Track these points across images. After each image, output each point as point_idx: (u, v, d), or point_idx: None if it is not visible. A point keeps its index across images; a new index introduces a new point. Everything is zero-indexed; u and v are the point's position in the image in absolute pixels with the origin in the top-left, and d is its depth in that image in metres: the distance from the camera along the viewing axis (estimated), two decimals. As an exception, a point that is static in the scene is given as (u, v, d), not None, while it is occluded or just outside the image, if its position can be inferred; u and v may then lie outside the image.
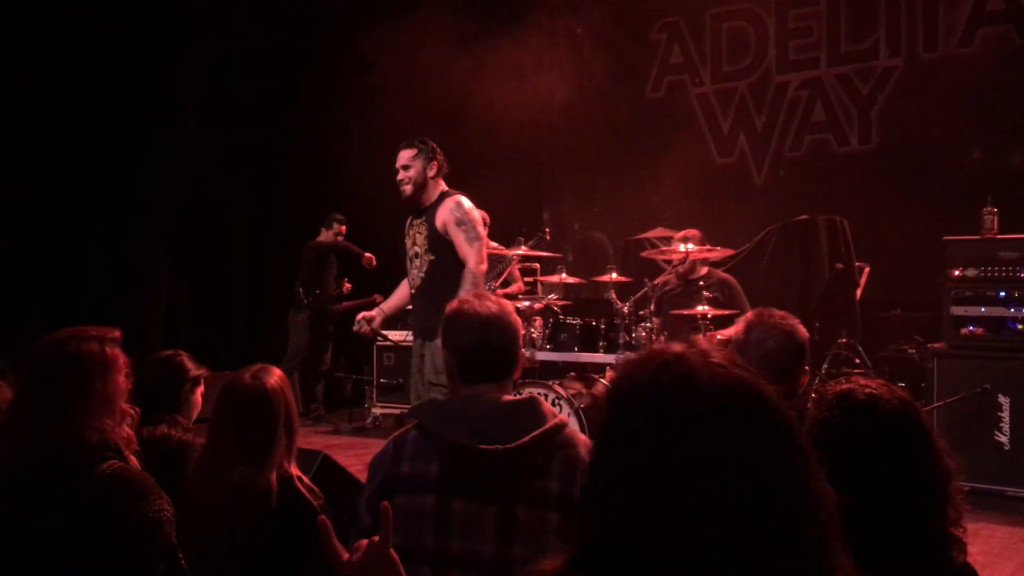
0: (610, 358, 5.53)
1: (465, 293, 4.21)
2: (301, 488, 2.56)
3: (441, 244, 4.43)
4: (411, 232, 4.61)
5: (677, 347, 1.06)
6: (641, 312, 5.52)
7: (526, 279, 7.32)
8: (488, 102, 8.59)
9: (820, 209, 7.48)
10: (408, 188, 4.49)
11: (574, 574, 1.06)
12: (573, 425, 5.27)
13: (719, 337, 5.64)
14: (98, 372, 2.13)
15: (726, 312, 5.50)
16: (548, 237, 6.41)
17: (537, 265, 7.40)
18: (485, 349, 2.14)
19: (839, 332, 6.61)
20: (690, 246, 5.57)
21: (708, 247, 5.72)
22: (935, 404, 5.36)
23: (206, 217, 8.33)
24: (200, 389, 3.26)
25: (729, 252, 6.13)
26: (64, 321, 2.37)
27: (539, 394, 5.48)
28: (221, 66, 7.93)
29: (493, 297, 2.23)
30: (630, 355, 5.15)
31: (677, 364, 1.03)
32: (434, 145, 4.56)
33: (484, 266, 4.43)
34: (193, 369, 3.19)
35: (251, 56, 8.01)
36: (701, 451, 0.98)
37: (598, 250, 9.70)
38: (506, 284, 6.64)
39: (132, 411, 2.30)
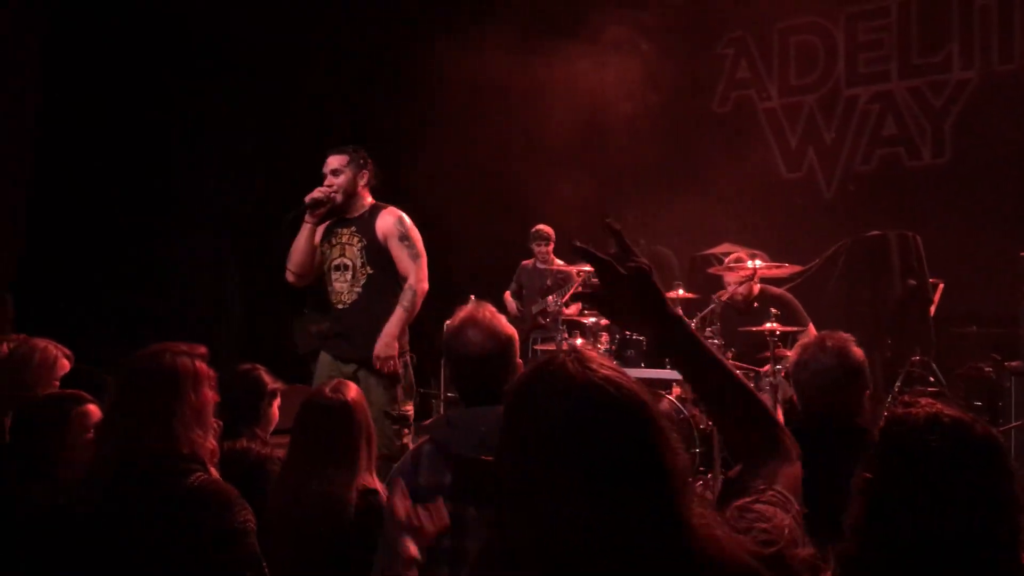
0: (676, 374, 5.51)
1: (403, 310, 4.24)
2: (382, 501, 2.64)
3: (381, 258, 4.31)
4: (336, 242, 4.42)
5: (559, 356, 1.26)
6: (708, 329, 5.50)
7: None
8: (551, 117, 8.66)
9: (891, 224, 7.36)
10: (338, 196, 4.34)
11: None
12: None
13: (788, 356, 5.59)
14: (190, 385, 2.19)
15: (789, 329, 5.45)
16: None
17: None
18: (477, 382, 2.28)
19: (912, 349, 6.49)
20: (758, 262, 5.53)
21: (776, 264, 5.68)
22: (1012, 424, 5.23)
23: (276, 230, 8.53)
24: (277, 402, 3.35)
25: (797, 268, 6.06)
26: (144, 336, 2.45)
27: (606, 410, 5.48)
28: (284, 79, 8.11)
29: (483, 324, 2.29)
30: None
31: (552, 366, 1.23)
32: (365, 154, 4.46)
33: (426, 285, 4.34)
34: (270, 383, 3.27)
35: (317, 67, 8.18)
36: (567, 437, 1.17)
37: (663, 266, 9.65)
38: (568, 304, 6.65)
39: (217, 424, 2.37)
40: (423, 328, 8.90)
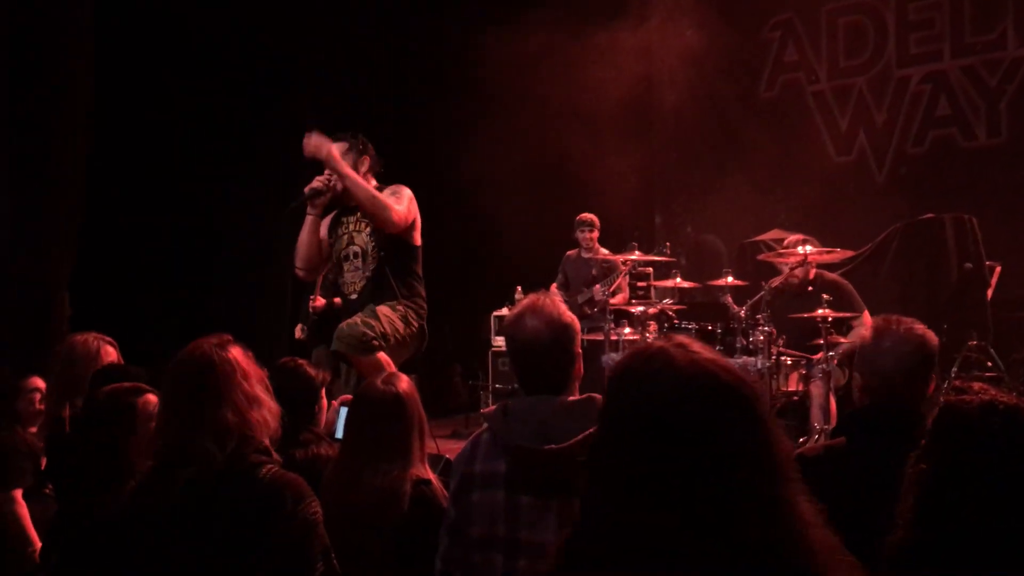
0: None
1: (368, 189, 4.09)
2: (435, 491, 2.65)
3: (390, 238, 4.22)
4: (343, 231, 4.36)
5: (659, 342, 1.27)
6: (758, 316, 5.44)
7: (639, 283, 7.29)
8: (597, 105, 8.62)
9: (946, 207, 7.20)
10: (339, 184, 4.22)
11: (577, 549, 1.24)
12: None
13: (842, 343, 5.51)
14: (230, 373, 2.18)
15: (842, 315, 5.37)
16: (668, 251, 6.35)
17: (650, 270, 7.37)
18: (536, 370, 2.27)
19: (969, 334, 6.35)
20: (808, 248, 5.44)
21: (828, 249, 5.58)
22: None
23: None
24: (323, 395, 3.36)
25: (848, 253, 5.96)
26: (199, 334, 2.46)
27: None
28: (331, 74, 8.17)
29: (545, 306, 2.26)
30: (748, 359, 5.07)
31: (659, 354, 1.23)
32: (365, 140, 4.34)
33: (400, 212, 4.12)
34: (318, 376, 3.27)
35: (363, 63, 8.23)
36: (678, 423, 1.17)
37: (711, 253, 9.57)
38: (614, 294, 6.62)
39: (277, 414, 2.33)
40: (471, 321, 8.97)
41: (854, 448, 2.32)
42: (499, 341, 8.25)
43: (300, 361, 3.26)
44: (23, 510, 3.40)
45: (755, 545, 1.13)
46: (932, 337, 2.43)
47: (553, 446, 2.07)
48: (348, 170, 4.11)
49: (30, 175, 6.89)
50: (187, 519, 2.07)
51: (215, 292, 7.55)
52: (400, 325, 4.14)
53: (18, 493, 3.43)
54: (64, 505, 2.81)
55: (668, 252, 6.32)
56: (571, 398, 2.21)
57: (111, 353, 3.44)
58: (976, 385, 1.75)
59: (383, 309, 4.11)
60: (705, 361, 1.21)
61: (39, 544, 3.21)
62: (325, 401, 3.34)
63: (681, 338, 1.26)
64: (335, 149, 4.13)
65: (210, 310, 7.23)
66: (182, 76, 7.52)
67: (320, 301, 6.49)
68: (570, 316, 2.28)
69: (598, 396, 2.22)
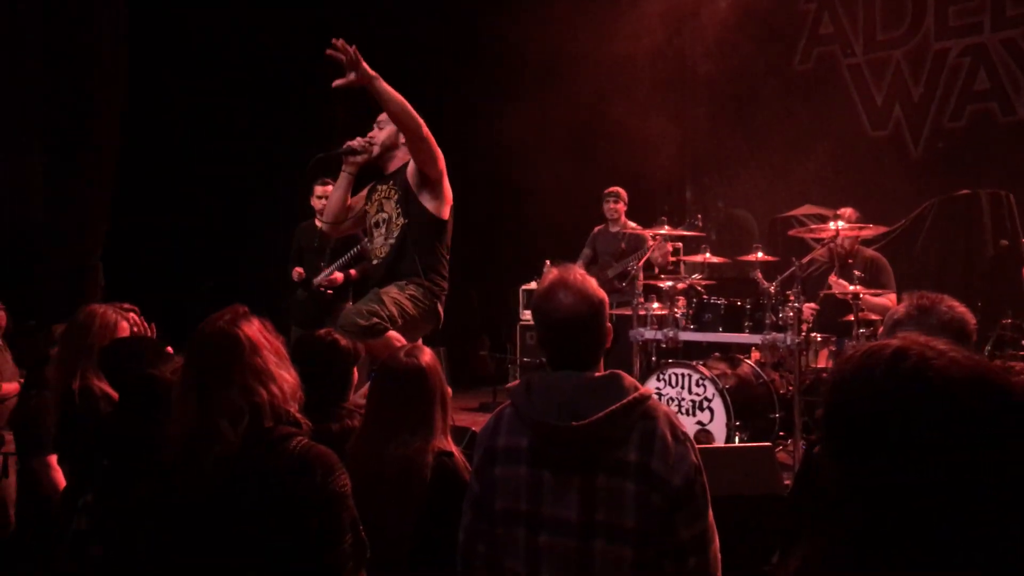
0: (756, 338, 5.42)
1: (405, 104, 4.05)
2: (457, 463, 2.66)
3: (414, 207, 4.24)
4: (376, 198, 4.41)
5: (896, 341, 1.10)
6: (788, 292, 5.39)
7: (670, 258, 7.25)
8: (628, 78, 8.55)
9: (983, 183, 7.08)
10: (375, 149, 4.35)
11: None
12: (717, 405, 5.24)
13: (871, 316, 5.46)
14: (246, 348, 2.16)
15: (874, 292, 5.32)
16: (700, 224, 6.30)
17: (680, 244, 7.32)
18: (563, 347, 2.23)
19: (1004, 312, 6.25)
20: (840, 223, 5.38)
21: (859, 225, 5.52)
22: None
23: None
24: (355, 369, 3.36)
25: (882, 229, 5.89)
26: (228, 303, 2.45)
27: (682, 374, 5.45)
28: (368, 43, 8.17)
29: (575, 286, 2.22)
30: (777, 335, 5.03)
31: (908, 356, 1.06)
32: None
33: (433, 142, 4.12)
34: (351, 348, 3.27)
35: (394, 32, 8.21)
36: (939, 438, 0.99)
37: (743, 228, 9.49)
38: (649, 266, 6.58)
39: (297, 383, 2.33)
40: (499, 294, 8.98)
41: None
42: (527, 315, 8.26)
43: (335, 335, 3.23)
44: (58, 475, 3.45)
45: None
46: (971, 316, 2.37)
47: (576, 423, 2.06)
48: (383, 83, 4.07)
49: (66, 150, 6.98)
50: (219, 498, 2.08)
51: (247, 260, 7.60)
52: (409, 305, 4.15)
53: (53, 458, 3.47)
54: (83, 480, 2.84)
55: (700, 225, 6.26)
56: (596, 374, 2.20)
57: (125, 328, 3.43)
58: (1019, 366, 1.71)
59: (389, 291, 4.13)
60: (968, 361, 1.05)
61: None
62: (356, 375, 3.35)
63: (916, 337, 1.09)
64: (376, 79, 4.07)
65: (242, 278, 7.28)
66: (216, 56, 7.55)
67: (299, 273, 6.29)
68: (600, 291, 2.26)
69: (623, 373, 2.21)
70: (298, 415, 2.23)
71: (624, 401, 2.06)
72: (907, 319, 2.32)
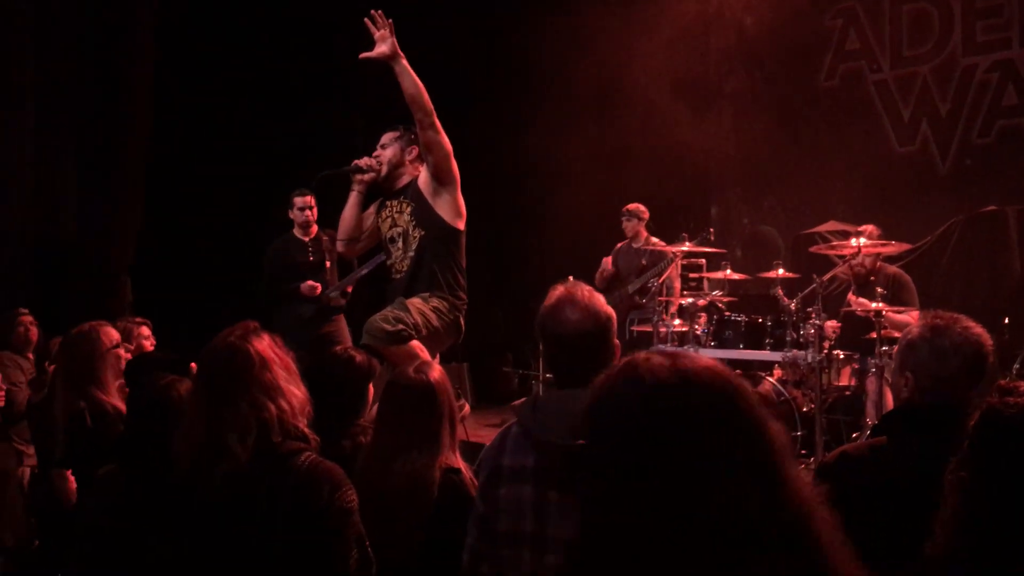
0: (776, 356, 5.39)
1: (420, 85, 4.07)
2: (464, 480, 2.66)
3: (430, 217, 4.24)
4: (387, 214, 4.40)
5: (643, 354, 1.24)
6: (809, 309, 5.35)
7: (691, 275, 7.23)
8: (652, 94, 8.55)
9: (1011, 199, 6.99)
10: (383, 169, 4.37)
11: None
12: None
13: (893, 334, 5.41)
14: (258, 369, 2.18)
15: (896, 309, 5.27)
16: (712, 237, 6.28)
17: (703, 261, 7.29)
18: (572, 366, 2.21)
19: (1032, 330, 6.18)
20: (863, 240, 5.34)
21: (882, 241, 5.48)
22: None
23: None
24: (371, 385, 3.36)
25: (905, 247, 5.83)
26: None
27: (703, 392, 5.40)
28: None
29: (582, 303, 2.20)
30: (798, 352, 5.00)
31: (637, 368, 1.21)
32: (415, 132, 4.32)
33: (436, 120, 4.14)
34: (367, 365, 3.28)
35: (414, 48, 8.28)
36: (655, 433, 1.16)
37: (768, 245, 9.43)
38: (666, 287, 6.56)
39: (306, 398, 2.35)
40: (523, 310, 8.97)
41: (897, 447, 2.24)
42: (551, 331, 8.24)
43: (351, 351, 3.25)
44: (72, 487, 3.49)
45: (763, 540, 1.11)
46: (987, 338, 2.33)
47: (583, 442, 2.04)
48: (407, 63, 4.13)
49: (97, 165, 7.10)
50: (226, 512, 2.10)
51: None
52: (433, 317, 4.15)
53: (67, 471, 3.52)
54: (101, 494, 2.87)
55: (712, 239, 6.24)
56: None
57: (137, 340, 3.47)
58: (1023, 385, 1.68)
59: (414, 301, 4.14)
60: (675, 367, 1.20)
61: None
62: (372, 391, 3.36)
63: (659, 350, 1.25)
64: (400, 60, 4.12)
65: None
66: (239, 70, 7.65)
67: (317, 288, 6.15)
68: (608, 307, 2.24)
69: None
70: (306, 430, 2.24)
71: None
72: (920, 340, 2.28)
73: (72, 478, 3.50)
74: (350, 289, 6.20)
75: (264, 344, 2.26)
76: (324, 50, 7.78)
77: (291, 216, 6.34)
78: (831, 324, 5.55)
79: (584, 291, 2.26)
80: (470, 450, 3.52)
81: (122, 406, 3.11)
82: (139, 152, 7.21)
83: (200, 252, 7.60)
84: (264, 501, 2.09)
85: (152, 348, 4.45)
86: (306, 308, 6.15)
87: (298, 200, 6.25)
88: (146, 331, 3.54)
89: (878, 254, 5.65)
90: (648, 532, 1.13)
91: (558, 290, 2.28)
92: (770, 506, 1.13)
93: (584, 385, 2.18)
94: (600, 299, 2.26)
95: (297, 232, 6.38)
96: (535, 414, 2.17)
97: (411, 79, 4.10)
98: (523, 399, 2.29)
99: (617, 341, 2.29)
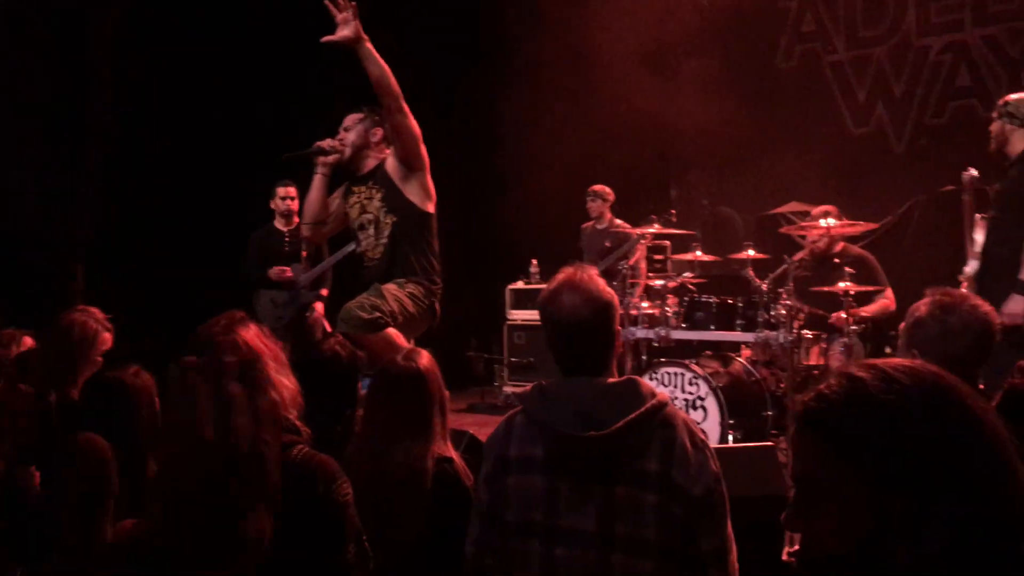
0: (748, 336, 5.42)
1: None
2: (458, 468, 2.62)
3: (401, 202, 4.20)
4: (356, 200, 4.35)
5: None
6: (780, 290, 5.39)
7: (656, 256, 7.25)
8: (612, 76, 8.52)
9: (968, 177, 7.09)
10: (346, 150, 4.31)
11: None
12: (711, 404, 5.22)
13: (862, 314, 5.47)
14: (259, 355, 2.12)
15: (865, 288, 5.33)
16: (675, 219, 6.28)
17: (668, 243, 7.31)
18: (573, 350, 2.16)
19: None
20: (831, 221, 5.39)
21: (849, 222, 5.52)
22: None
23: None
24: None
25: (871, 226, 5.90)
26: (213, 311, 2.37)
27: (675, 373, 5.43)
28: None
29: (583, 281, 2.17)
30: (770, 333, 5.03)
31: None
32: (383, 114, 4.26)
33: (403, 104, 4.08)
34: (354, 355, 3.19)
35: (390, 34, 8.15)
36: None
37: (727, 226, 9.49)
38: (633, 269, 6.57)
39: (296, 390, 2.28)
40: (487, 294, 8.93)
41: None
42: (515, 315, 8.22)
43: (337, 347, 3.19)
44: (35, 481, 3.38)
45: None
46: (996, 315, 2.33)
47: (596, 432, 1.99)
48: (371, 46, 4.03)
49: (49, 149, 6.87)
50: (220, 496, 2.02)
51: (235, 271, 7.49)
52: (409, 303, 4.11)
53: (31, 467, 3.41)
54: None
55: (674, 220, 6.24)
56: (611, 379, 2.14)
57: (107, 340, 3.37)
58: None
59: (390, 287, 4.09)
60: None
61: None
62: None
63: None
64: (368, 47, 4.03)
65: (229, 288, 7.18)
66: (207, 56, 7.45)
67: (286, 271, 6.18)
68: (610, 292, 2.19)
69: (639, 378, 2.16)
70: (298, 422, 2.18)
71: (643, 409, 2.01)
72: (928, 318, 2.28)
73: (36, 474, 3.39)
74: (326, 292, 6.25)
75: (251, 334, 2.19)
76: (290, 32, 7.60)
77: (272, 206, 6.40)
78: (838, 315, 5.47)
79: (585, 275, 2.21)
80: (458, 437, 3.48)
81: None
82: (98, 139, 7.00)
83: (160, 242, 7.40)
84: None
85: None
86: (279, 294, 6.19)
87: (280, 190, 6.31)
88: (108, 337, 3.43)
89: (839, 234, 5.69)
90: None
91: (561, 274, 2.23)
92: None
93: (586, 372, 2.16)
94: (601, 283, 2.22)
95: (278, 223, 6.45)
96: (544, 403, 2.12)
97: (376, 63, 4.01)
98: (530, 387, 2.22)
99: (619, 327, 2.25)
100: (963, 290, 2.31)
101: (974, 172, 4.99)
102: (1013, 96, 4.59)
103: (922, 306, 2.32)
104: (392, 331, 4.00)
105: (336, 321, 4.12)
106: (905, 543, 1.05)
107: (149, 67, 7.24)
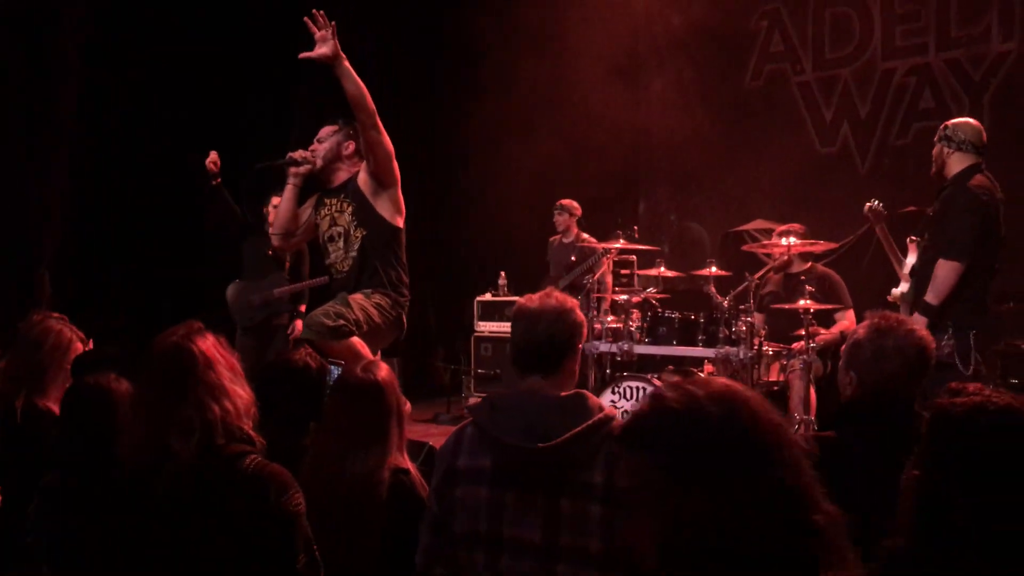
0: (709, 352, 5.49)
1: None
2: (414, 480, 2.64)
3: (371, 216, 4.24)
4: (326, 212, 4.38)
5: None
6: (741, 306, 5.47)
7: (623, 271, 7.31)
8: (583, 90, 8.60)
9: (928, 199, 7.21)
10: (318, 161, 4.34)
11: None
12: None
13: (821, 334, 5.56)
14: (203, 369, 2.16)
15: (827, 307, 5.42)
16: (637, 235, 6.35)
17: (634, 258, 7.39)
18: (529, 340, 2.23)
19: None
20: (792, 240, 5.48)
21: (811, 241, 5.62)
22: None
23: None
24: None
25: (832, 245, 6.01)
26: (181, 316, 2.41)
27: (637, 387, 5.49)
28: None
29: (558, 295, 2.25)
30: (730, 349, 5.10)
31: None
32: (356, 127, 4.29)
33: (378, 121, 4.12)
34: (317, 365, 3.19)
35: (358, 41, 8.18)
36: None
37: (694, 242, 9.60)
38: (599, 284, 6.63)
39: (251, 399, 2.30)
40: (455, 306, 8.96)
41: (846, 441, 2.30)
42: (482, 326, 8.26)
43: (306, 356, 3.18)
44: None
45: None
46: (930, 338, 2.41)
47: (543, 444, 2.05)
48: (348, 64, 4.05)
49: (16, 154, 6.83)
50: (171, 514, 2.06)
51: (201, 276, 7.47)
52: (375, 313, 4.12)
53: None
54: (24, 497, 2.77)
55: (636, 236, 6.30)
56: (562, 393, 2.19)
57: (78, 348, 3.37)
58: (972, 386, 1.73)
59: (356, 297, 4.11)
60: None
61: None
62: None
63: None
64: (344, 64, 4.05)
65: (196, 295, 7.16)
66: (172, 58, 7.43)
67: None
68: (582, 315, 2.28)
69: (587, 392, 2.21)
70: (251, 432, 2.21)
71: (589, 422, 2.06)
72: (864, 341, 2.35)
73: None
74: (304, 308, 6.30)
75: (208, 344, 2.22)
76: (262, 37, 7.60)
77: (265, 211, 6.44)
78: (759, 317, 5.68)
79: (555, 298, 2.28)
80: (416, 448, 3.50)
81: (56, 409, 3.00)
82: (65, 145, 6.97)
83: (127, 247, 7.38)
84: (209, 504, 2.05)
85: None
86: (256, 297, 6.25)
87: (274, 199, 6.30)
88: (80, 346, 3.41)
89: (799, 252, 5.79)
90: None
91: (535, 295, 2.31)
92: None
93: (539, 371, 2.21)
94: (571, 305, 2.28)
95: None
96: (493, 414, 2.17)
97: (353, 81, 4.04)
98: (480, 400, 2.27)
99: (580, 345, 2.31)
100: (901, 315, 2.37)
101: (877, 204, 5.17)
102: (953, 121, 4.75)
103: (860, 329, 2.40)
104: (356, 340, 4.02)
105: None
106: (700, 539, 1.17)
107: (116, 73, 7.22)
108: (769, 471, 1.20)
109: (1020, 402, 1.67)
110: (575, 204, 7.48)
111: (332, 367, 3.23)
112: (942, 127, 4.72)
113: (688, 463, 1.20)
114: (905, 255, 5.13)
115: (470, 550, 2.14)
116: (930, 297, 4.36)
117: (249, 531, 2.04)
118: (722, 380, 1.30)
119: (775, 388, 5.59)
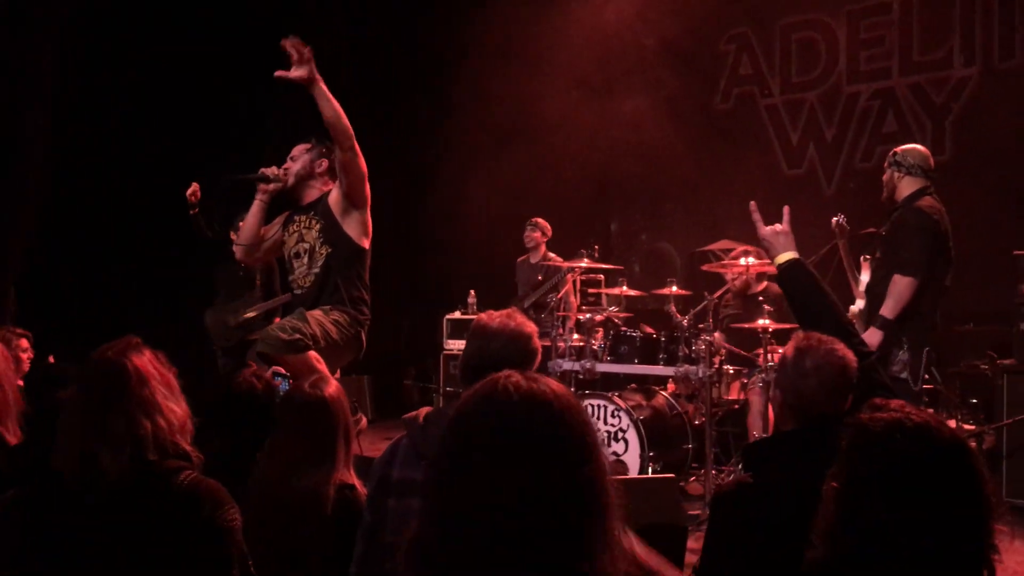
0: (670, 371, 5.55)
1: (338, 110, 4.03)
2: (359, 496, 2.67)
3: (338, 236, 4.25)
4: (295, 228, 4.40)
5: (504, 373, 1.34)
6: (701, 325, 5.54)
7: (590, 290, 7.38)
8: (556, 114, 8.69)
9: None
10: (289, 179, 4.36)
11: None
12: (631, 436, 5.34)
13: (780, 352, 5.64)
14: (136, 384, 2.15)
15: (785, 326, 5.50)
16: (597, 254, 6.39)
17: (602, 277, 7.46)
18: (481, 357, 2.29)
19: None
20: (751, 260, 5.56)
21: (769, 261, 5.70)
22: (1005, 422, 5.26)
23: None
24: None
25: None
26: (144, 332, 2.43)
27: (598, 405, 5.54)
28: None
29: (520, 317, 2.30)
30: (690, 367, 5.16)
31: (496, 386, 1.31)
32: (330, 146, 4.31)
33: (355, 144, 4.13)
34: (266, 387, 3.18)
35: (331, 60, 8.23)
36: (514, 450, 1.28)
37: (665, 261, 9.69)
38: (564, 303, 6.68)
39: (186, 415, 2.32)
40: (425, 324, 8.99)
41: (761, 482, 2.32)
42: (452, 344, 8.30)
43: (251, 377, 3.20)
44: None
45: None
46: (852, 358, 2.47)
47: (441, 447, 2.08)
48: (325, 87, 4.06)
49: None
50: (104, 530, 2.05)
51: (174, 294, 7.48)
52: (332, 329, 4.13)
53: None
54: None
55: (596, 256, 6.35)
56: None
57: (23, 359, 3.35)
58: (894, 402, 1.78)
59: (314, 313, 4.13)
60: (538, 389, 1.30)
61: None
62: None
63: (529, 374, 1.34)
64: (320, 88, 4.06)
65: (169, 312, 7.16)
66: (146, 71, 7.47)
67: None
68: (538, 343, 2.34)
69: None
70: (188, 448, 2.21)
71: None
72: (789, 359, 2.42)
73: None
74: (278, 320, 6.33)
75: (144, 359, 2.22)
76: (236, 55, 7.65)
77: (233, 237, 6.42)
78: (719, 336, 5.76)
79: (515, 319, 2.33)
80: (367, 465, 3.52)
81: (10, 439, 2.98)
82: (32, 159, 6.97)
83: (95, 264, 7.38)
84: (141, 519, 2.06)
85: (30, 361, 4.32)
86: (231, 318, 6.32)
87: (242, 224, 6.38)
88: (25, 343, 3.40)
89: (757, 273, 5.88)
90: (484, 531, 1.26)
91: (495, 316, 2.36)
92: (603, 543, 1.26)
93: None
94: (528, 329, 2.34)
95: None
96: (425, 428, 2.21)
97: (330, 103, 4.05)
98: (414, 412, 2.32)
99: (535, 363, 2.37)
100: (825, 336, 2.43)
101: (842, 219, 5.30)
102: (902, 147, 4.88)
103: (787, 348, 2.47)
104: (313, 355, 4.04)
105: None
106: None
107: (86, 88, 7.25)
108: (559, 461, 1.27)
109: (937, 420, 1.73)
110: (546, 224, 7.55)
111: (282, 382, 3.26)
112: (891, 153, 4.86)
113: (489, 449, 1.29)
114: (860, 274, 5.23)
115: (381, 561, 2.19)
116: (886, 311, 4.46)
117: (182, 546, 2.05)
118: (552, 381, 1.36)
119: (735, 407, 5.66)
